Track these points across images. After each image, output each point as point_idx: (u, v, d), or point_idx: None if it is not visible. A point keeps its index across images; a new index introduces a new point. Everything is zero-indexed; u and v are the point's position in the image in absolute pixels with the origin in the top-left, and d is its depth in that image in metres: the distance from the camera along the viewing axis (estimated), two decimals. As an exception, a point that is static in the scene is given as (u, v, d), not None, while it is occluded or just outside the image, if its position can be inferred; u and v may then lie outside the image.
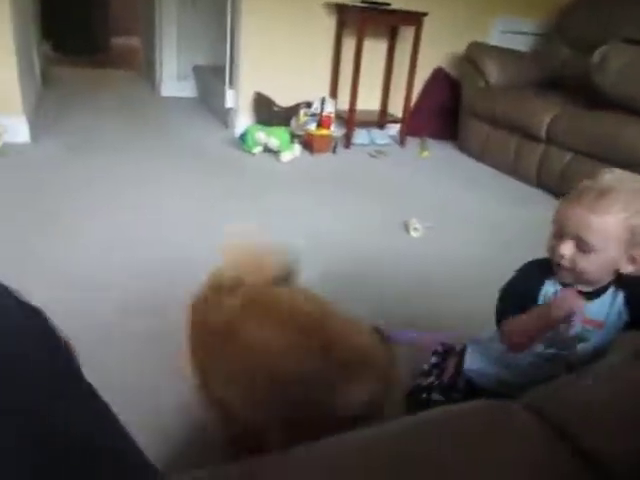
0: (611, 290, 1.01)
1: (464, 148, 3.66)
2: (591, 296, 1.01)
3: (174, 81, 4.51)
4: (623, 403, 0.76)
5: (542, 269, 1.04)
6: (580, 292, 0.99)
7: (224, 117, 3.73)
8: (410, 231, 2.33)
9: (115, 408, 0.53)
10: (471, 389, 1.19)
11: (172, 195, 2.53)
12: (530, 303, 1.02)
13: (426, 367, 1.30)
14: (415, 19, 3.39)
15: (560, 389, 0.82)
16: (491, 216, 2.63)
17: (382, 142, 3.67)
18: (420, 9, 3.38)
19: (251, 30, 3.34)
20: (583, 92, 3.07)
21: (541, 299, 1.03)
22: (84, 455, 0.43)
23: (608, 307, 1.02)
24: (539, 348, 1.05)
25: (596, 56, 2.86)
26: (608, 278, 1.00)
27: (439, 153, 3.64)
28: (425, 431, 0.69)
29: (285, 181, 2.88)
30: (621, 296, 1.01)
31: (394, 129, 3.84)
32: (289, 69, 3.50)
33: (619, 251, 0.94)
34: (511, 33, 4.01)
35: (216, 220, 2.30)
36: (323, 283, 1.87)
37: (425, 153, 3.56)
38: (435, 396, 1.23)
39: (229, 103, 3.54)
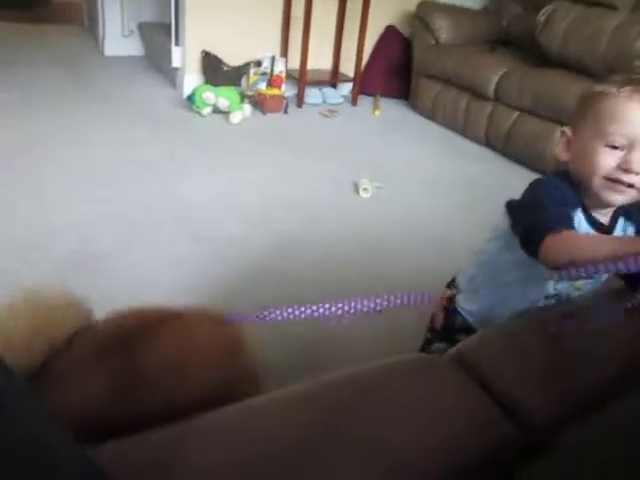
0: (621, 222, 0.91)
1: (416, 107, 3.67)
2: (608, 229, 0.89)
3: (119, 38, 4.32)
4: (546, 354, 0.80)
5: (570, 191, 0.87)
6: (600, 224, 0.88)
7: (172, 77, 3.62)
8: (360, 192, 2.35)
9: None
10: (470, 326, 1.06)
11: (117, 157, 2.46)
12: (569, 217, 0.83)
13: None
14: (365, -25, 3.33)
15: (487, 340, 0.85)
16: (441, 175, 2.67)
17: (334, 101, 3.65)
18: (370, -36, 3.32)
19: (197, -15, 3.22)
20: (532, 50, 3.10)
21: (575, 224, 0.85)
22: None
23: None
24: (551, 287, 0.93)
25: (541, 15, 2.88)
26: None
27: (391, 112, 3.64)
28: (351, 384, 0.72)
29: (235, 141, 2.84)
30: (631, 230, 0.91)
31: (346, 88, 3.81)
32: (238, 27, 3.40)
33: None
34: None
35: (164, 181, 2.27)
36: (271, 242, 1.90)
37: (377, 112, 3.56)
38: (435, 346, 1.13)
39: (176, 62, 3.43)
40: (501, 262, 0.97)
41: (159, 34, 3.90)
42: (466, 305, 1.07)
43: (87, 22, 4.93)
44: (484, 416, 0.69)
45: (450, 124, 3.38)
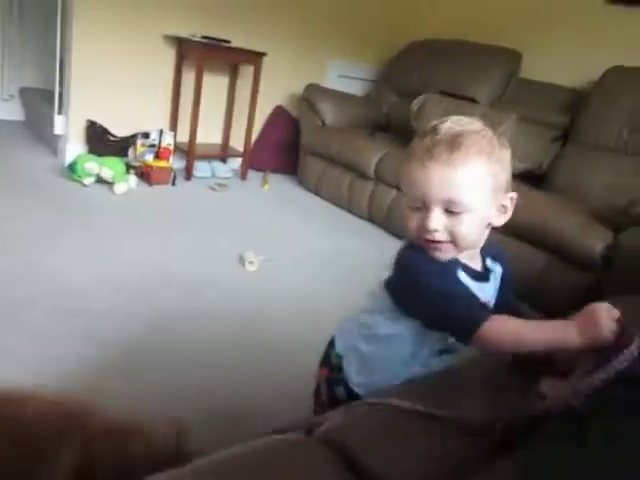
0: (490, 263, 0.94)
1: (303, 183, 3.81)
2: (482, 277, 0.91)
3: (-3, 102, 4.14)
4: (401, 421, 0.82)
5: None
6: (479, 273, 0.91)
7: (53, 144, 3.49)
8: (245, 265, 2.35)
9: None
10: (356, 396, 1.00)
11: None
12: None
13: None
14: (254, 58, 3.50)
15: (352, 414, 0.86)
16: (325, 249, 2.75)
17: (224, 175, 3.69)
18: (260, 49, 3.49)
19: (84, 55, 3.18)
20: (407, 135, 3.37)
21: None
22: None
23: (493, 284, 0.94)
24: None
25: (414, 104, 3.17)
26: (482, 239, 0.90)
27: (279, 187, 3.74)
28: (222, 468, 0.70)
29: (119, 213, 2.76)
30: (499, 270, 0.94)
31: (236, 163, 3.89)
32: (126, 98, 3.39)
33: (489, 202, 0.85)
34: (346, 78, 4.31)
35: (45, 253, 2.13)
36: (151, 317, 1.83)
37: (266, 187, 3.64)
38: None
39: (58, 130, 3.33)
40: (392, 334, 0.95)
41: (41, 100, 3.78)
42: (355, 378, 1.03)
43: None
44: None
45: (335, 200, 3.53)
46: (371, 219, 3.31)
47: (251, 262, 2.36)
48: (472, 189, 0.82)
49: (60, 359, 1.54)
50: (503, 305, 0.94)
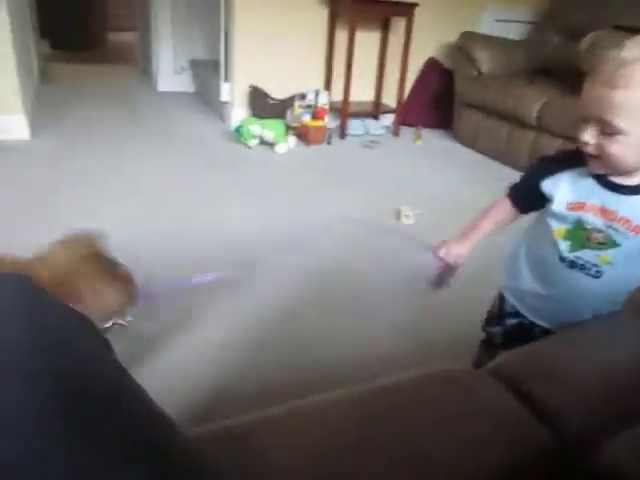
0: None
1: (458, 136, 3.71)
2: (630, 190, 0.90)
3: (171, 76, 4.56)
4: (589, 372, 0.82)
5: (562, 159, 0.98)
6: (618, 185, 0.91)
7: (220, 110, 3.78)
8: (402, 218, 2.39)
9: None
10: (517, 311, 1.12)
11: (171, 186, 2.59)
12: (528, 194, 1.02)
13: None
14: (406, 10, 3.44)
15: (527, 355, 0.87)
16: (481, 201, 2.67)
17: (376, 132, 3.73)
18: (411, 0, 3.42)
19: (244, 24, 3.39)
20: (573, 79, 3.10)
21: (549, 187, 0.97)
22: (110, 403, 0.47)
23: None
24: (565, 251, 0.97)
25: (584, 43, 2.90)
26: None
27: (433, 142, 3.69)
28: (393, 396, 0.76)
29: (281, 172, 2.94)
30: None
31: (388, 119, 3.89)
32: (283, 62, 3.55)
33: None
34: (503, 22, 4.04)
35: (216, 210, 2.37)
36: (317, 269, 1.95)
37: (419, 142, 3.62)
38: (493, 329, 1.18)
39: (225, 97, 3.60)
40: (529, 233, 1.09)
41: (209, 70, 4.10)
42: (505, 281, 1.15)
43: (141, 61, 5.22)
44: (521, 424, 0.72)
45: (492, 152, 3.40)
46: (529, 167, 3.13)
47: (407, 215, 2.39)
48: (627, 113, 0.81)
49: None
50: None
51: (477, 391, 0.77)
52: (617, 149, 0.84)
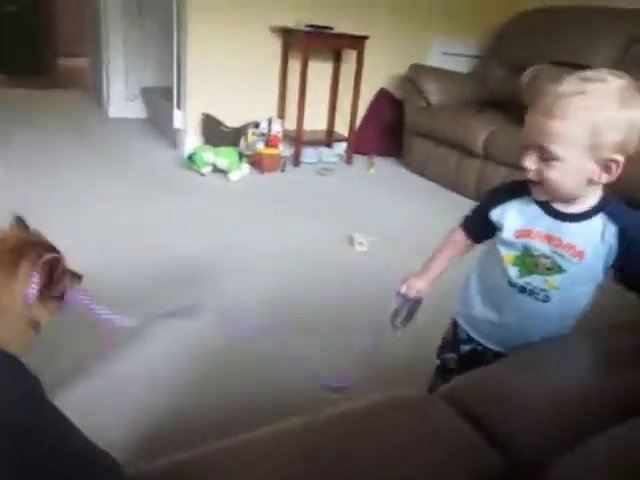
0: (601, 219, 0.93)
1: (408, 164, 3.80)
2: (572, 218, 0.94)
3: (122, 102, 4.52)
4: (539, 394, 0.84)
5: (509, 189, 1.02)
6: (562, 213, 0.95)
7: (173, 138, 3.76)
8: (355, 245, 2.42)
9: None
10: (470, 336, 1.15)
11: (122, 213, 2.54)
12: (479, 224, 1.07)
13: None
14: (357, 42, 3.53)
15: (478, 379, 0.89)
16: (432, 227, 2.73)
17: (330, 160, 3.78)
18: (362, 33, 3.52)
19: (197, 52, 3.41)
20: (516, 110, 3.25)
21: (497, 216, 1.01)
22: (55, 454, 0.46)
23: (592, 236, 0.93)
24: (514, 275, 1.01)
25: (525, 76, 3.05)
26: (586, 193, 0.92)
27: (385, 170, 3.77)
28: (345, 424, 0.75)
29: (235, 199, 2.94)
30: (612, 229, 0.92)
31: (341, 147, 3.96)
32: (237, 90, 3.57)
33: (586, 158, 0.87)
34: (451, 55, 4.21)
35: (170, 237, 2.33)
36: (266, 299, 1.95)
37: (372, 170, 3.68)
38: (448, 355, 1.20)
39: (177, 124, 3.58)
40: (480, 261, 1.13)
41: (161, 98, 4.08)
42: (458, 308, 1.18)
43: (93, 87, 5.14)
44: (473, 449, 0.73)
45: (441, 180, 3.49)
46: (479, 198, 3.22)
47: (360, 242, 2.42)
48: (563, 141, 0.86)
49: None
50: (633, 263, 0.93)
51: (429, 416, 0.78)
52: (555, 174, 0.89)
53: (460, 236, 1.13)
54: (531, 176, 0.92)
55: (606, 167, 0.87)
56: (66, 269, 1.05)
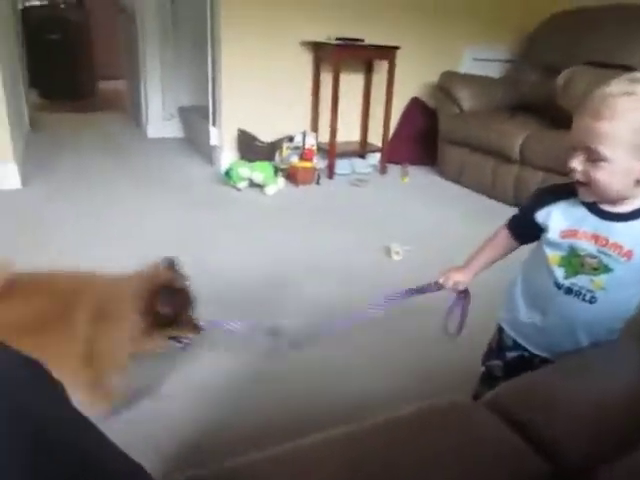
0: None
1: (443, 172, 3.79)
2: (620, 217, 0.93)
3: (160, 122, 4.64)
4: (585, 400, 0.83)
5: (555, 190, 1.02)
6: (609, 213, 0.94)
7: (210, 155, 3.84)
8: (392, 255, 2.42)
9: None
10: (517, 343, 1.14)
11: (162, 229, 2.61)
12: (524, 225, 1.07)
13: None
14: (388, 53, 3.55)
15: (523, 385, 0.89)
16: (468, 234, 2.71)
17: (363, 171, 3.79)
18: (392, 43, 3.54)
19: (231, 70, 3.49)
20: (551, 114, 3.21)
21: (543, 218, 1.01)
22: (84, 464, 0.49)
23: None
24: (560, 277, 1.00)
25: (560, 79, 3.01)
26: (634, 194, 0.92)
27: (419, 179, 3.76)
28: (389, 432, 0.76)
29: (271, 212, 2.98)
30: None
31: (375, 158, 3.97)
32: (270, 106, 3.63)
33: (634, 159, 0.86)
34: (482, 61, 4.18)
35: (210, 251, 2.38)
36: (308, 309, 1.96)
37: (405, 179, 3.68)
38: (493, 362, 1.20)
39: (213, 141, 3.66)
40: (526, 264, 1.12)
41: (197, 116, 4.18)
42: (503, 314, 1.17)
43: (131, 108, 5.31)
44: (518, 455, 0.72)
45: (478, 187, 3.47)
46: (517, 204, 3.19)
47: (397, 252, 2.42)
48: (611, 141, 0.86)
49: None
50: None
51: (474, 423, 0.78)
52: (602, 175, 0.89)
53: (504, 235, 1.14)
54: (578, 177, 0.92)
55: None
56: (190, 319, 1.28)
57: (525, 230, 1.08)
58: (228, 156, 3.60)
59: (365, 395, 1.48)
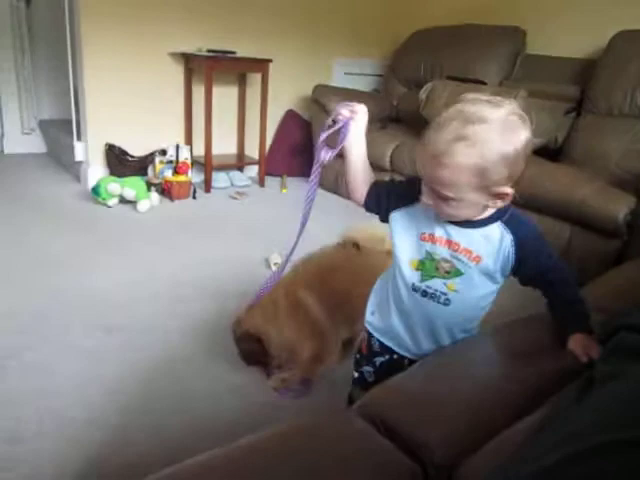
0: (498, 228, 0.96)
1: (321, 183, 3.84)
2: (471, 224, 0.97)
3: (18, 136, 4.27)
4: (449, 396, 0.85)
5: (412, 192, 1.00)
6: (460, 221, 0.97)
7: (76, 171, 3.60)
8: (271, 266, 2.40)
9: None
10: (384, 347, 1.16)
11: (32, 254, 2.40)
12: (378, 203, 1.07)
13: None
14: (261, 66, 3.56)
15: (390, 389, 0.89)
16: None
17: (242, 183, 3.76)
18: (265, 56, 3.55)
19: (96, 82, 3.29)
20: (418, 124, 3.38)
21: (396, 219, 1.04)
22: None
23: (489, 242, 0.96)
24: (413, 279, 1.03)
25: (422, 92, 3.18)
26: (485, 214, 0.95)
27: (298, 190, 3.78)
28: (275, 444, 0.73)
29: (145, 229, 2.84)
30: (509, 237, 0.96)
31: (253, 170, 3.95)
32: (140, 118, 3.48)
33: (479, 195, 0.89)
34: (353, 75, 4.33)
35: (82, 273, 2.22)
36: (190, 326, 1.88)
37: (284, 190, 3.69)
38: (365, 368, 1.20)
39: (79, 156, 3.43)
40: (387, 270, 1.15)
41: (60, 130, 3.90)
42: (368, 320, 1.18)
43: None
44: (392, 462, 0.72)
45: (354, 196, 3.55)
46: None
47: (276, 263, 2.41)
48: (457, 188, 0.88)
49: (98, 371, 1.60)
50: (534, 267, 0.98)
51: (346, 438, 0.77)
52: (452, 210, 0.92)
53: (365, 189, 1.12)
54: (431, 207, 0.95)
55: (499, 196, 0.90)
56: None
57: (376, 205, 1.08)
58: (97, 172, 3.39)
59: (245, 411, 1.44)
